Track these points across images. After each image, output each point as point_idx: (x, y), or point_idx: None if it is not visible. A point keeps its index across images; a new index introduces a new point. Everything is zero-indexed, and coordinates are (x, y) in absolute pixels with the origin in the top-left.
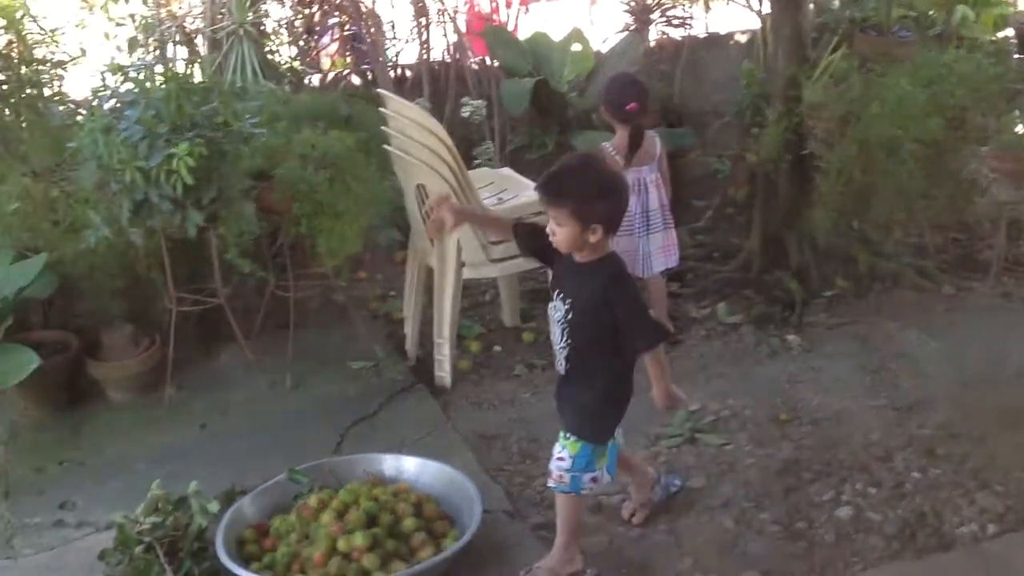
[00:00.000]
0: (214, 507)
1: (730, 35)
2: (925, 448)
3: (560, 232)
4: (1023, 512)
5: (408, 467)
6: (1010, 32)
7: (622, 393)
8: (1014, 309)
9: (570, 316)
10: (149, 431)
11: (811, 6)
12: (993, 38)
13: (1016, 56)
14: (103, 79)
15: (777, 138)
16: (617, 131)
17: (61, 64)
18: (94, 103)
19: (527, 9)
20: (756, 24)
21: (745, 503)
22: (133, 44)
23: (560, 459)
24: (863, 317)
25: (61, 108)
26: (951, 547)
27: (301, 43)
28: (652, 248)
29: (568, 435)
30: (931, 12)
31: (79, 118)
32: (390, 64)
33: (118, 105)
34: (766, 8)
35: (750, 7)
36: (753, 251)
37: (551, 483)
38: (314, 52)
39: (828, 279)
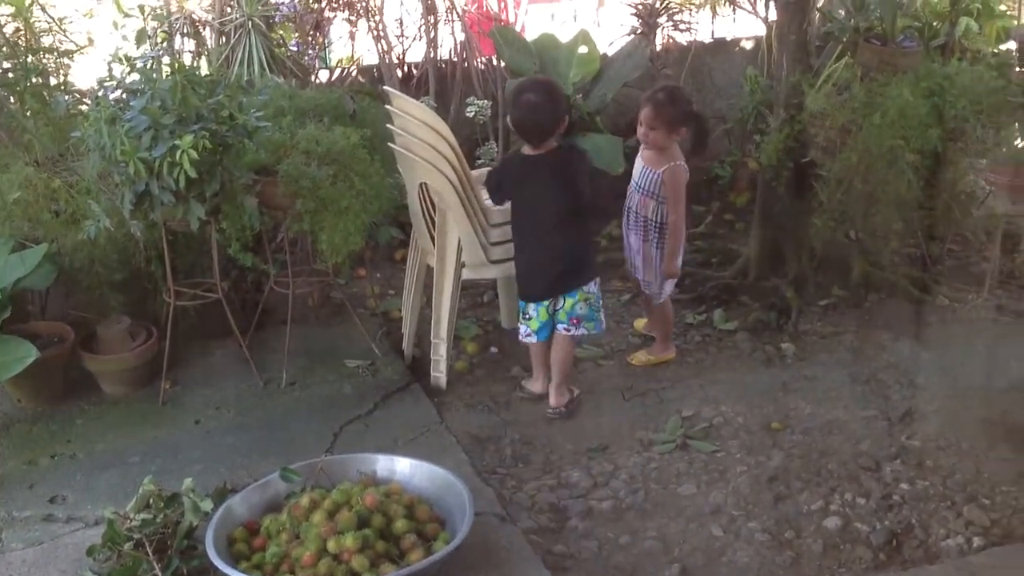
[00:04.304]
0: (207, 505)
1: (736, 41)
2: (914, 459)
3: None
4: (1009, 526)
5: (401, 468)
6: (1013, 45)
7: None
8: (1007, 322)
9: None
10: (142, 426)
11: (816, 14)
12: (996, 50)
13: (1018, 69)
14: (109, 69)
15: (779, 145)
16: (672, 146)
17: (68, 53)
18: (100, 93)
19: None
20: (762, 31)
21: (734, 511)
22: (141, 35)
23: None
24: (857, 327)
25: (66, 98)
26: (937, 559)
27: (309, 38)
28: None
29: None
30: (935, 23)
31: (84, 108)
32: (396, 61)
33: (124, 96)
34: (772, 15)
35: (756, 14)
36: (751, 258)
37: None
38: (321, 47)
39: (824, 288)
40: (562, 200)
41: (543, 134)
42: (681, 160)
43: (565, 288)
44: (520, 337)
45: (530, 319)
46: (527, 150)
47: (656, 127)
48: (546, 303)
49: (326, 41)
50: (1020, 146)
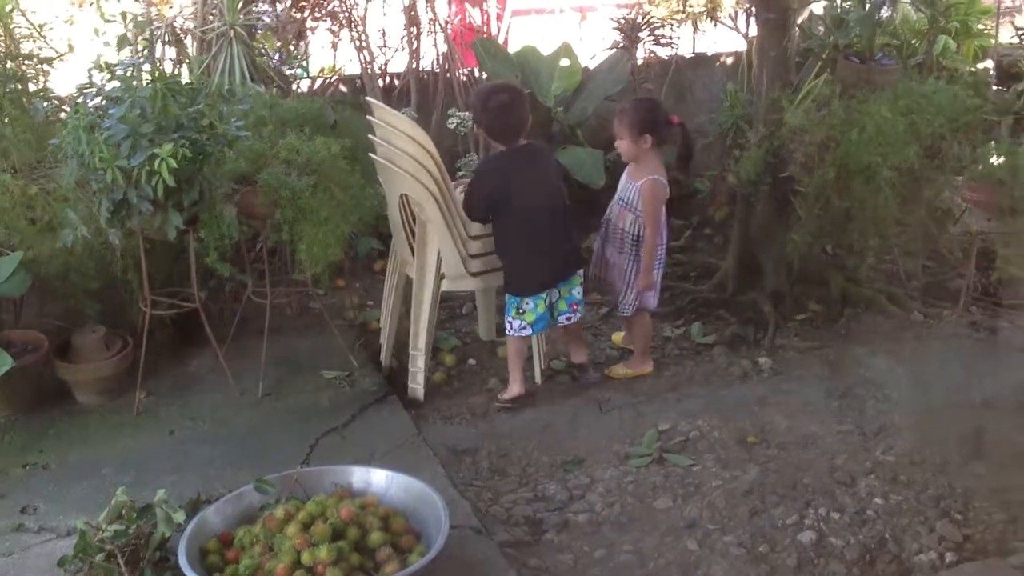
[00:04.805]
0: (180, 516)
1: (716, 56)
2: (888, 474)
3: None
4: (981, 542)
5: (377, 480)
6: (990, 64)
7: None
8: (981, 339)
9: None
10: (116, 436)
11: (797, 31)
12: (973, 69)
13: (995, 88)
14: (89, 76)
15: (758, 160)
16: (650, 158)
17: (48, 60)
18: (79, 100)
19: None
20: (742, 46)
21: (710, 525)
22: (122, 42)
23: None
24: (834, 341)
25: (45, 104)
26: (909, 574)
27: (291, 47)
28: (660, 276)
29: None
30: (914, 41)
31: (63, 115)
32: (379, 72)
33: (103, 103)
34: (753, 31)
35: (737, 30)
36: (729, 272)
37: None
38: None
39: (801, 302)
40: (558, 184)
41: (519, 131)
42: (660, 175)
43: (571, 270)
44: (512, 333)
45: (525, 313)
46: (501, 148)
47: (622, 136)
48: (545, 294)
49: (302, 52)
50: (996, 164)
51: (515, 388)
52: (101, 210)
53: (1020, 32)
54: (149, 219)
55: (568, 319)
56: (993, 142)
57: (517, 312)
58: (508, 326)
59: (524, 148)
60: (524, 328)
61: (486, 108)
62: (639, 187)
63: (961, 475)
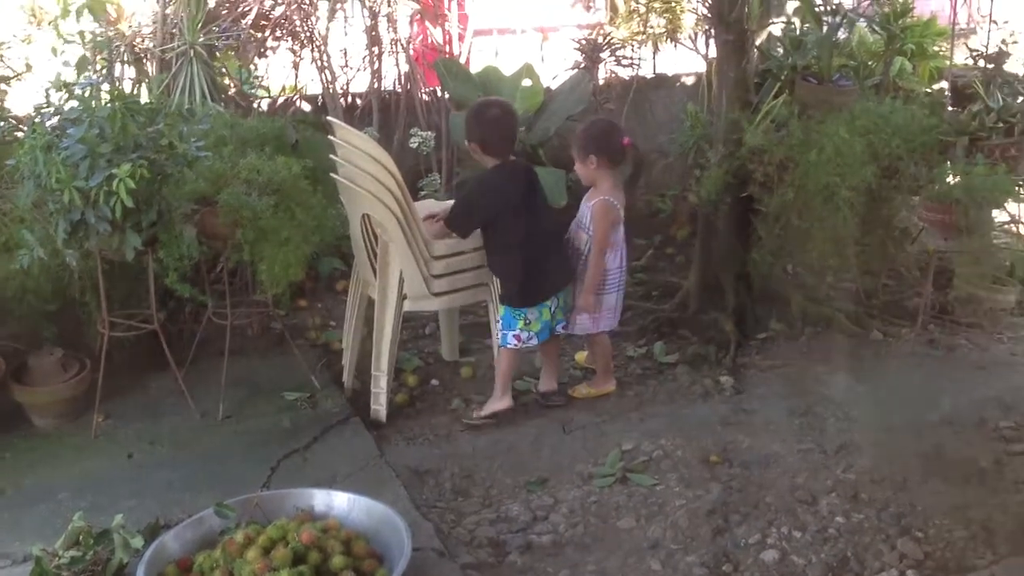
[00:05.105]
0: (138, 542)
1: (677, 77)
2: (849, 493)
3: None
4: (942, 559)
5: (339, 503)
6: (945, 84)
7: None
8: (939, 356)
9: None
10: (74, 460)
11: (755, 52)
12: (929, 89)
13: (950, 108)
14: (47, 96)
15: (718, 180)
16: (604, 178)
17: (5, 79)
18: (36, 120)
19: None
20: (702, 67)
21: (673, 545)
22: (82, 62)
23: (498, 321)
24: (794, 360)
25: (2, 124)
26: None
27: (252, 66)
28: (621, 298)
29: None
30: (870, 62)
31: (20, 135)
32: (340, 91)
33: (61, 123)
34: (712, 52)
35: (697, 51)
36: (691, 291)
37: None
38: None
39: (762, 321)
40: (544, 195)
41: (511, 145)
42: (613, 196)
43: (568, 279)
44: (515, 346)
45: (531, 323)
46: (495, 163)
47: (574, 157)
48: (550, 302)
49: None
50: (952, 184)
51: (503, 402)
52: (58, 231)
53: (974, 53)
54: (107, 240)
55: (564, 327)
56: (949, 162)
57: (525, 324)
58: (514, 340)
59: (515, 162)
60: (531, 339)
61: (480, 122)
62: (591, 207)
63: (922, 493)
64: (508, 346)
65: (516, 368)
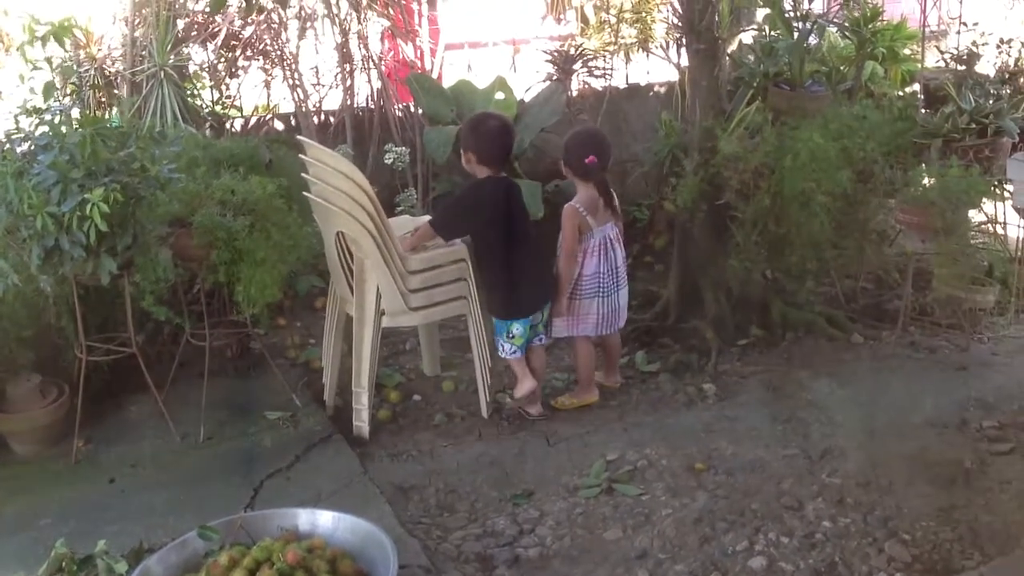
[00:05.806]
0: (122, 567)
1: (650, 86)
2: (835, 497)
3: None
4: (929, 561)
5: (323, 522)
6: (917, 87)
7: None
8: (920, 358)
9: None
10: (55, 486)
11: (727, 60)
12: (901, 93)
13: (923, 111)
14: (16, 122)
15: (694, 188)
16: (579, 188)
17: None
18: (6, 147)
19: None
20: (675, 76)
21: (661, 554)
22: (48, 88)
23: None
24: (776, 366)
25: None
26: None
27: (224, 87)
28: (622, 303)
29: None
30: (842, 67)
31: None
32: (313, 109)
33: (32, 149)
34: (684, 61)
35: (669, 60)
36: (671, 300)
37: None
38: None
39: (743, 328)
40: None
41: (507, 157)
42: (581, 204)
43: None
44: (505, 355)
45: (515, 337)
46: (487, 174)
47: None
48: (531, 316)
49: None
50: (927, 186)
51: (527, 384)
52: (32, 257)
53: (946, 56)
54: (82, 265)
55: (540, 340)
56: (923, 164)
57: (507, 336)
58: (500, 348)
59: (509, 180)
60: (515, 352)
61: (478, 133)
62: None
63: (907, 495)
64: (502, 354)
65: (523, 362)
